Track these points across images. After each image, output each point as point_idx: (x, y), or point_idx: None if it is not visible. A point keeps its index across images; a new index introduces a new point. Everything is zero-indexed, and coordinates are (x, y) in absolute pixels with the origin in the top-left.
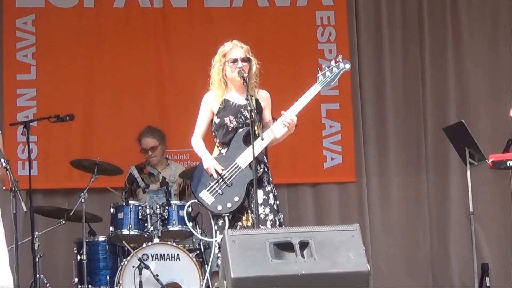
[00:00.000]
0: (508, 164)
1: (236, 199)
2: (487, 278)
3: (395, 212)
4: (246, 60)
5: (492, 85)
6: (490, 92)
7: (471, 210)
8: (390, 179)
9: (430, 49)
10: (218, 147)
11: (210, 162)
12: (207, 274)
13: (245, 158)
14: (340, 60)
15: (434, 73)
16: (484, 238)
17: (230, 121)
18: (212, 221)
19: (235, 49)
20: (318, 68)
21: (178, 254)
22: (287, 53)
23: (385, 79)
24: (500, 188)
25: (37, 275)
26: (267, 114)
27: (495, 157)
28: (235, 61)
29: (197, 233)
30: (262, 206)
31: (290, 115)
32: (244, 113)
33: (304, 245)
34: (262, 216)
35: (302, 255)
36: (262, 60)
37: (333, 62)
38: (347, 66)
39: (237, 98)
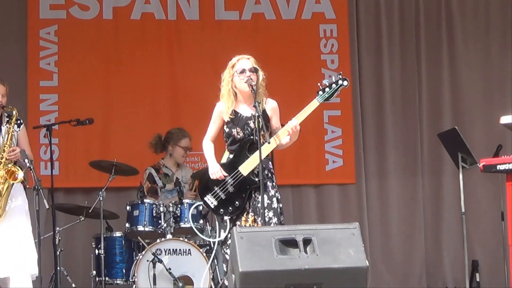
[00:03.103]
0: (497, 168)
1: (237, 204)
2: (477, 274)
3: (392, 212)
4: (253, 70)
5: (484, 94)
6: (482, 100)
7: (463, 210)
8: (388, 181)
9: (426, 60)
10: (227, 151)
11: (215, 168)
12: (215, 267)
13: (247, 166)
14: (340, 77)
15: (430, 82)
16: (475, 236)
17: (237, 132)
18: (217, 221)
19: (242, 60)
20: (319, 84)
21: (189, 249)
22: (292, 63)
23: (384, 87)
24: (490, 190)
25: (58, 268)
26: (274, 122)
27: (486, 161)
28: (243, 71)
29: (205, 233)
30: (267, 210)
31: (294, 122)
32: (250, 124)
33: (307, 241)
34: (266, 219)
35: (305, 251)
36: (269, 69)
37: (333, 78)
38: (345, 83)
39: (245, 110)
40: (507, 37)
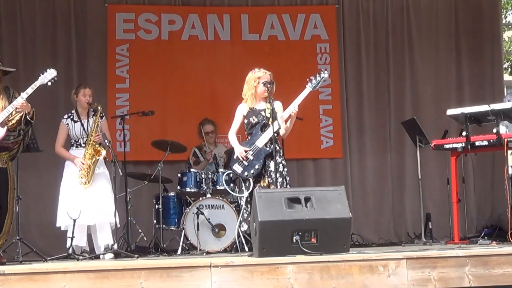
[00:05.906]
0: (444, 147)
1: (257, 167)
2: (430, 223)
3: (368, 179)
4: (271, 83)
5: (435, 93)
6: (433, 98)
7: (419, 177)
8: (366, 156)
9: (393, 68)
10: (247, 137)
11: (239, 149)
12: (240, 218)
13: (261, 140)
14: (322, 70)
15: (396, 84)
16: (428, 196)
17: (253, 119)
18: (242, 183)
19: (266, 75)
20: (308, 79)
21: (223, 205)
22: (296, 71)
23: (362, 88)
24: (439, 163)
25: (129, 218)
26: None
27: (436, 142)
28: (266, 83)
29: (234, 192)
30: (274, 173)
31: (294, 105)
32: (262, 113)
33: (307, 199)
34: (274, 179)
35: (306, 206)
36: (280, 76)
37: (316, 73)
38: (325, 75)
39: (259, 106)
40: (452, 53)
